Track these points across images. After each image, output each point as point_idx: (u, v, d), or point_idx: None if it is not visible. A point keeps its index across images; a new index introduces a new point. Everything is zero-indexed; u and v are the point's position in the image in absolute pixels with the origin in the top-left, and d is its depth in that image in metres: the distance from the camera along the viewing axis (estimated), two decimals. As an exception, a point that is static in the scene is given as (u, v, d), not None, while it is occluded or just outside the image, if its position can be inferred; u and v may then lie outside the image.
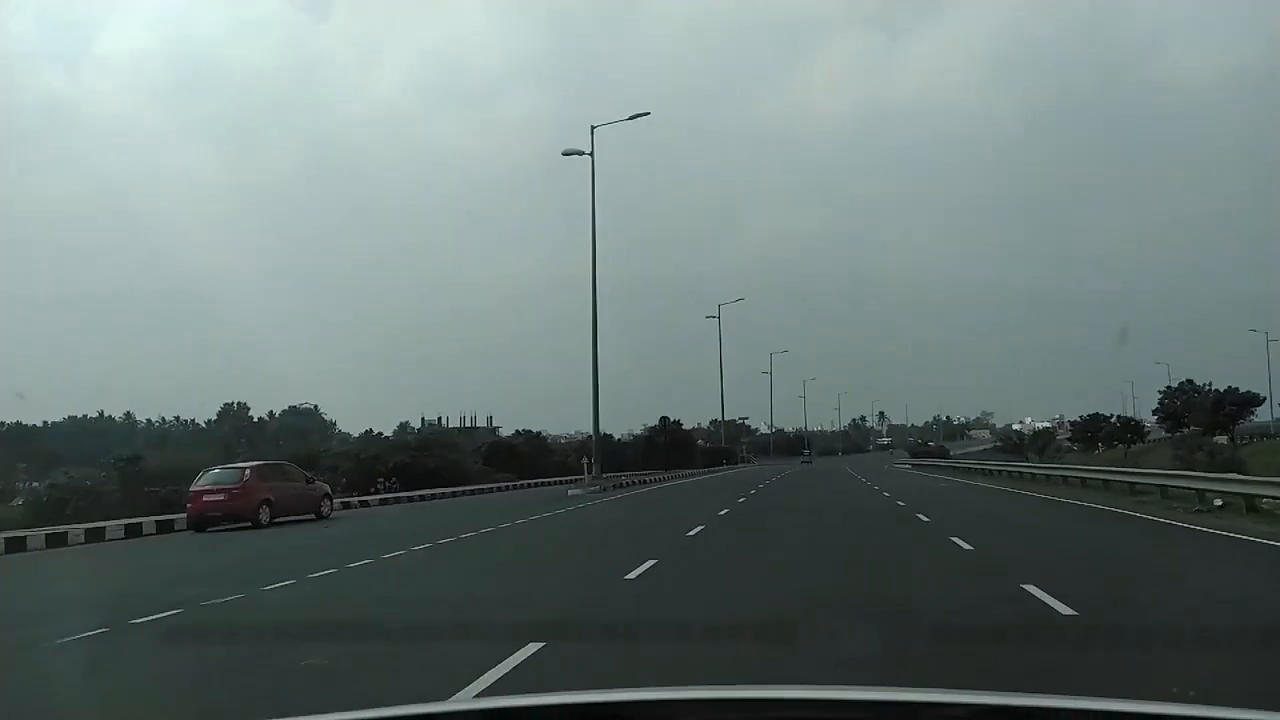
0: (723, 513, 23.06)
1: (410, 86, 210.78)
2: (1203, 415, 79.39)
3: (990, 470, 46.09)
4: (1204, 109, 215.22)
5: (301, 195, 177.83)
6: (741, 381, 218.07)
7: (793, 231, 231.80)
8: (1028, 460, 59.80)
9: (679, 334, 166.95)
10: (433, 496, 38.24)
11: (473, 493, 41.32)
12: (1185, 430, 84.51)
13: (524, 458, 60.27)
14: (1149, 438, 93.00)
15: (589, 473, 39.16)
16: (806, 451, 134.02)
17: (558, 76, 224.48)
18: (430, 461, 46.53)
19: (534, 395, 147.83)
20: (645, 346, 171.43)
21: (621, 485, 42.05)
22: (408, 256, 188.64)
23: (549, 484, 48.40)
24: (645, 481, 48.78)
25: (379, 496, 38.44)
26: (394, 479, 41.83)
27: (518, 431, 71.99)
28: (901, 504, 24.65)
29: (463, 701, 2.40)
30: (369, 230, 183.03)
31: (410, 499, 36.84)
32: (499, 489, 45.36)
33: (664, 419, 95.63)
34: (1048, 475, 35.11)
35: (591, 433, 43.26)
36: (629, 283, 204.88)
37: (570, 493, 35.03)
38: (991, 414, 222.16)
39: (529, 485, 48.94)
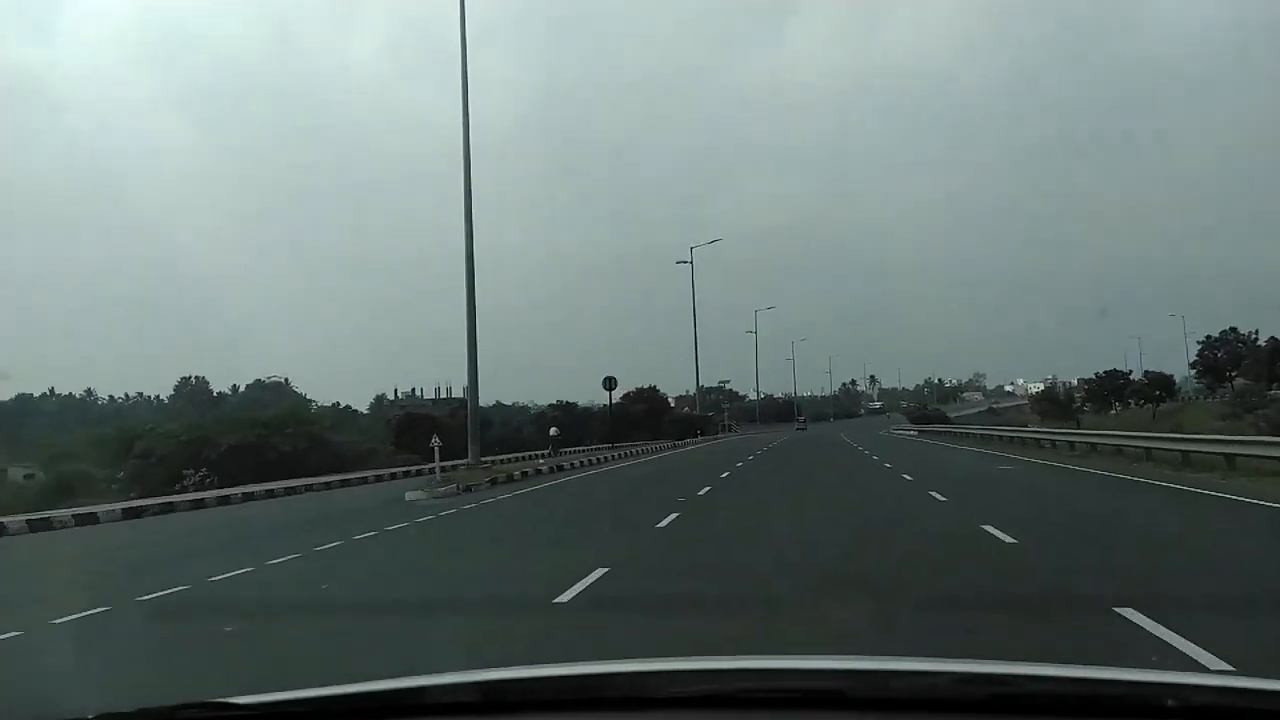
0: (666, 522, 13.58)
1: (385, 50, 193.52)
2: (1256, 368, 67.71)
3: (1038, 441, 33.35)
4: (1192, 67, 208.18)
5: (279, 164, 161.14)
6: (725, 344, 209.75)
7: (778, 196, 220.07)
8: (1079, 425, 48.44)
9: (664, 300, 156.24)
10: (247, 497, 26.29)
11: (307, 488, 28.73)
12: (1230, 385, 73.80)
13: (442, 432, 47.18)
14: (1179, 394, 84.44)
15: (439, 463, 25.81)
16: (801, 418, 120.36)
17: (530, 42, 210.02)
18: (286, 444, 34.47)
19: (519, 365, 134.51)
20: (627, 314, 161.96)
21: (530, 476, 29.05)
22: (393, 225, 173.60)
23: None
24: (586, 464, 36.29)
25: (188, 497, 26.91)
26: (205, 472, 29.73)
27: (458, 403, 59.17)
28: (942, 498, 15.67)
29: (459, 674, 1.82)
30: (351, 199, 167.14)
31: (201, 502, 25.04)
32: (342, 483, 31.06)
33: (640, 388, 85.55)
34: (1144, 448, 23.24)
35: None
36: (616, 252, 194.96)
37: (407, 496, 21.85)
38: (984, 375, 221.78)
39: (397, 476, 33.94)
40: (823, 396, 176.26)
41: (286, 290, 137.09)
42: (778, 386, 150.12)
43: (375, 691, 1.78)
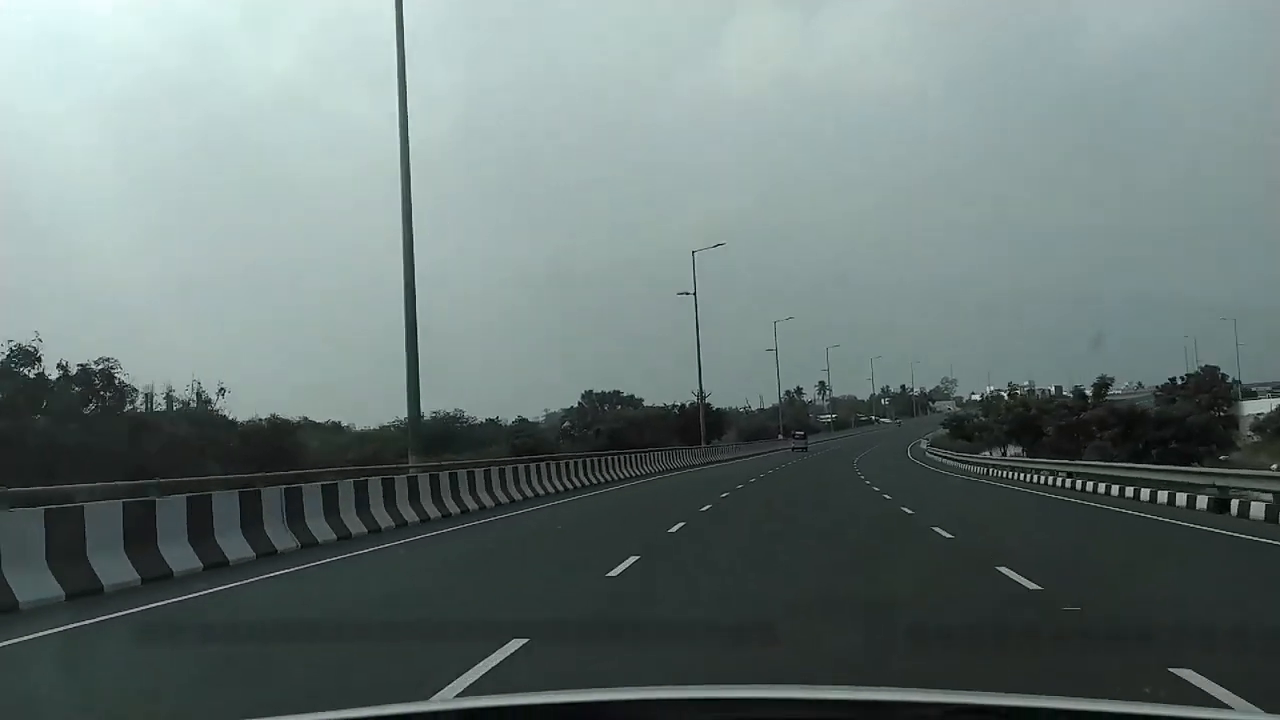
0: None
1: (308, 59, 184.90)
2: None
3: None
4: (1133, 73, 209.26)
5: (204, 177, 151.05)
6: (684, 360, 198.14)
7: (726, 211, 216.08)
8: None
9: (622, 313, 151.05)
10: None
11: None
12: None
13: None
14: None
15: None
16: (799, 434, 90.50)
17: (464, 50, 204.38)
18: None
19: (459, 382, 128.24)
20: (588, 327, 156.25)
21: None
22: (325, 239, 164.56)
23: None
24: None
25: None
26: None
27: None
28: None
29: (442, 702, 2.47)
30: (280, 213, 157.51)
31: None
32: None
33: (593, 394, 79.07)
34: None
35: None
36: (575, 269, 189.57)
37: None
38: (955, 381, 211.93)
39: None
40: (758, 410, 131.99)
41: (204, 308, 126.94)
42: (726, 399, 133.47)
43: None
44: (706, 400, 70.41)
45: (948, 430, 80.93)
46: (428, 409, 37.45)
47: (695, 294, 62.91)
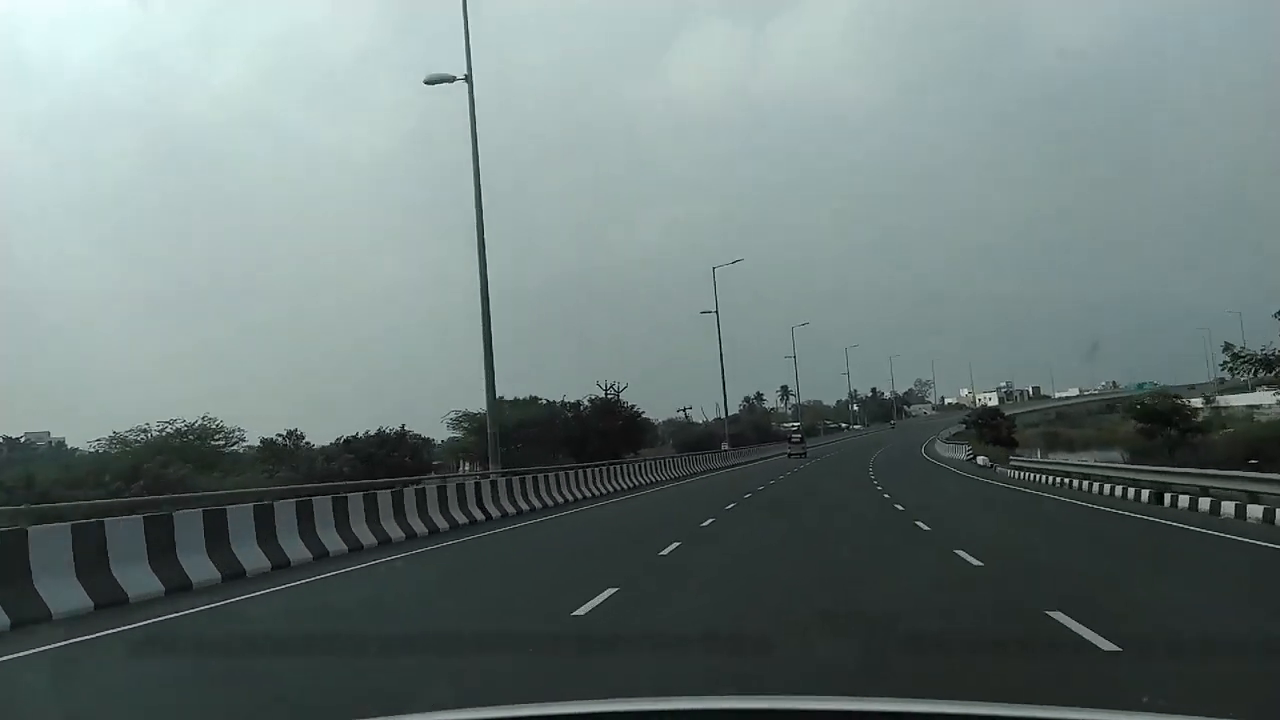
0: None
1: (258, 76, 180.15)
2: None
3: None
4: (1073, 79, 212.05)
5: (151, 198, 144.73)
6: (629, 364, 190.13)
7: (682, 222, 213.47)
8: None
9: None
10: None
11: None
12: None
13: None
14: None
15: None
16: (796, 434, 74.39)
17: (412, 64, 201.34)
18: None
19: (418, 396, 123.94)
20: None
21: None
22: (279, 258, 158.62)
23: None
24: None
25: None
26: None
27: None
28: None
29: (440, 712, 1.98)
30: (231, 232, 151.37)
31: None
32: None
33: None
34: None
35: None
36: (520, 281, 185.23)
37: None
38: (929, 382, 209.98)
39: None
40: (707, 422, 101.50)
41: (158, 335, 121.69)
42: (661, 410, 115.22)
43: None
44: (634, 408, 57.08)
45: (973, 430, 69.38)
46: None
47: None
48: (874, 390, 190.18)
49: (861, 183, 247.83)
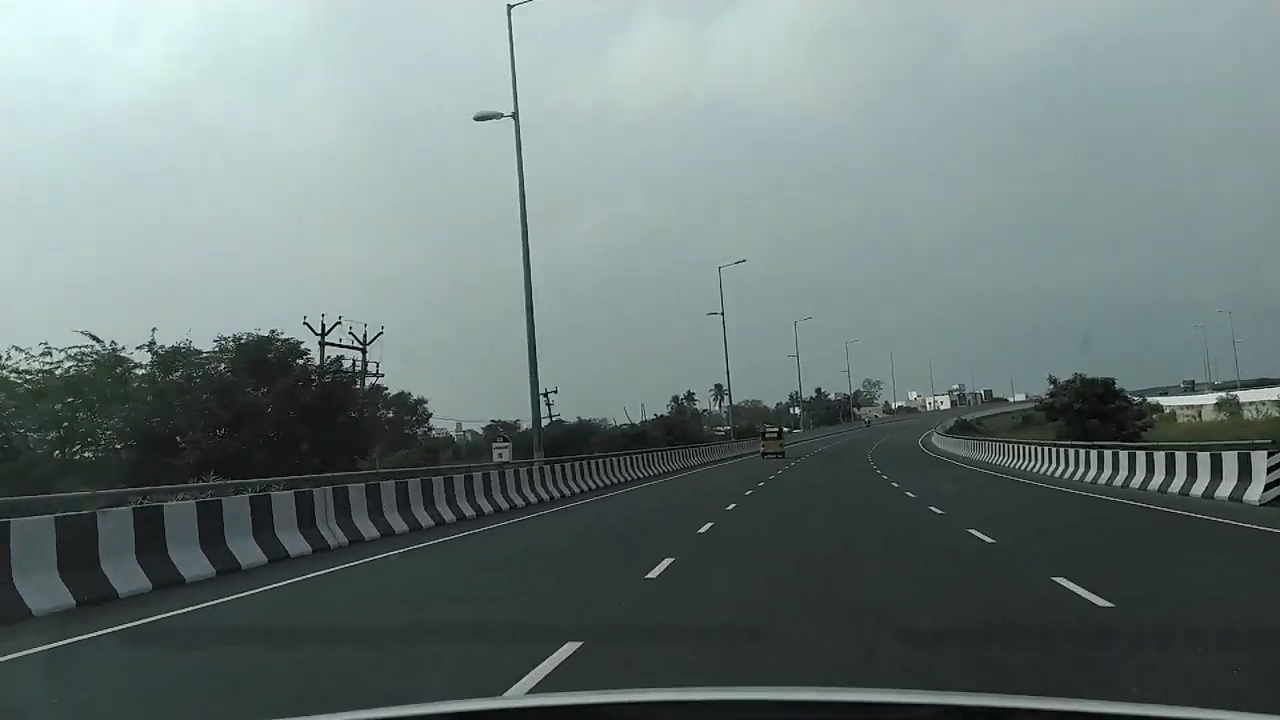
0: None
1: (181, 62, 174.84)
2: None
3: None
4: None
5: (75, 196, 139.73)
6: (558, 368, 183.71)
7: (618, 221, 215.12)
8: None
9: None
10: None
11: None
12: None
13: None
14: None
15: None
16: (772, 433, 65.31)
17: (352, 56, 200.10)
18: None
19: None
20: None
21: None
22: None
23: None
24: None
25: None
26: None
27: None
28: None
29: (439, 705, 1.91)
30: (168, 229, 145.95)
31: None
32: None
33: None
34: None
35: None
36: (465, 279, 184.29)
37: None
38: (879, 383, 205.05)
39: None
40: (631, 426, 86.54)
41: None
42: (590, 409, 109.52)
43: None
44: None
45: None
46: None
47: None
48: (819, 391, 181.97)
49: (796, 179, 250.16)
